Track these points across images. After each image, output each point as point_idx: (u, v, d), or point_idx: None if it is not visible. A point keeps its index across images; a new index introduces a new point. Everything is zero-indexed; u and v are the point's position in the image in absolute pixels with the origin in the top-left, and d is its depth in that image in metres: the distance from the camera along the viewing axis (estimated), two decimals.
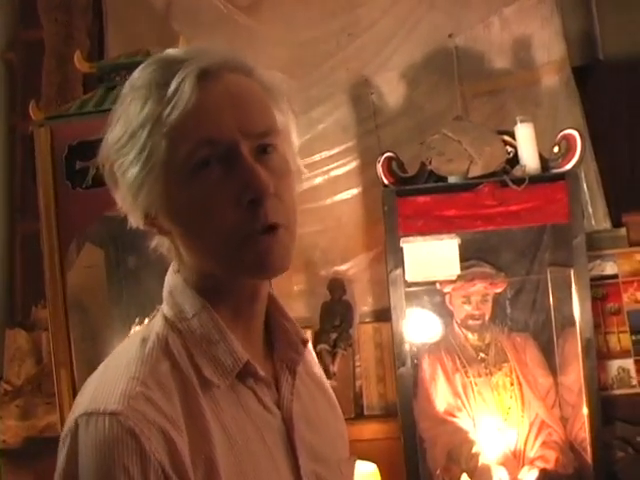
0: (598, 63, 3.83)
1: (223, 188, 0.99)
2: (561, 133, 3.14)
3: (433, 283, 3.40)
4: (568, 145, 3.10)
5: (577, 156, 3.07)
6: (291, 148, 1.10)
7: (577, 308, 3.10)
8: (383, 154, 3.25)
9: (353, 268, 3.85)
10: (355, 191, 3.85)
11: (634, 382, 3.44)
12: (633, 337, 3.48)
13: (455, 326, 3.45)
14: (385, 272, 3.29)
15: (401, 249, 3.17)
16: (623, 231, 3.58)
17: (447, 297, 3.46)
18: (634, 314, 3.49)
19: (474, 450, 3.19)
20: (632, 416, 3.43)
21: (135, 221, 1.06)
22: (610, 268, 3.53)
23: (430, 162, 3.21)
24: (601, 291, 3.48)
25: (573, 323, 3.16)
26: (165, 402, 0.96)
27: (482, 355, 3.38)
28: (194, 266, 1.07)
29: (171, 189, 1.01)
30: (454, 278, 3.29)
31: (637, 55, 3.69)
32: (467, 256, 3.31)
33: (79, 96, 3.39)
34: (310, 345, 1.33)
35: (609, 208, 3.65)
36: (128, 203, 1.04)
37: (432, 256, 3.18)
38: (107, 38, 3.66)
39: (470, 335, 3.41)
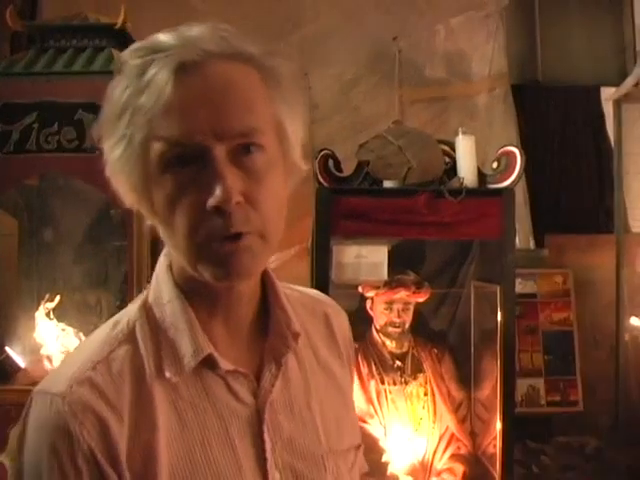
0: (536, 84, 3.87)
1: (192, 189, 0.95)
2: (502, 149, 3.11)
3: (356, 286, 3.34)
4: (508, 162, 3.07)
5: (516, 174, 3.05)
6: (287, 142, 1.03)
7: (501, 325, 3.08)
8: (321, 151, 3.13)
9: (273, 262, 3.75)
10: None
11: (543, 401, 3.49)
12: (546, 357, 3.53)
13: (374, 332, 3.40)
14: (306, 270, 3.22)
15: (330, 249, 3.10)
16: (545, 252, 3.64)
17: (368, 302, 3.41)
18: (549, 334, 3.55)
19: (383, 459, 3.16)
20: (537, 435, 3.49)
21: (127, 200, 1.03)
22: (529, 287, 3.57)
23: (368, 164, 3.14)
24: (518, 309, 3.51)
25: (492, 339, 3.15)
26: (111, 388, 0.97)
27: (398, 363, 3.35)
28: (172, 255, 1.06)
29: (147, 180, 0.98)
30: (380, 284, 3.24)
31: (574, 81, 3.74)
32: (393, 262, 3.26)
33: (5, 54, 3.20)
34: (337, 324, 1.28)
35: (534, 228, 3.69)
36: (118, 182, 1.02)
37: (361, 260, 3.12)
38: None
39: (388, 342, 3.37)
